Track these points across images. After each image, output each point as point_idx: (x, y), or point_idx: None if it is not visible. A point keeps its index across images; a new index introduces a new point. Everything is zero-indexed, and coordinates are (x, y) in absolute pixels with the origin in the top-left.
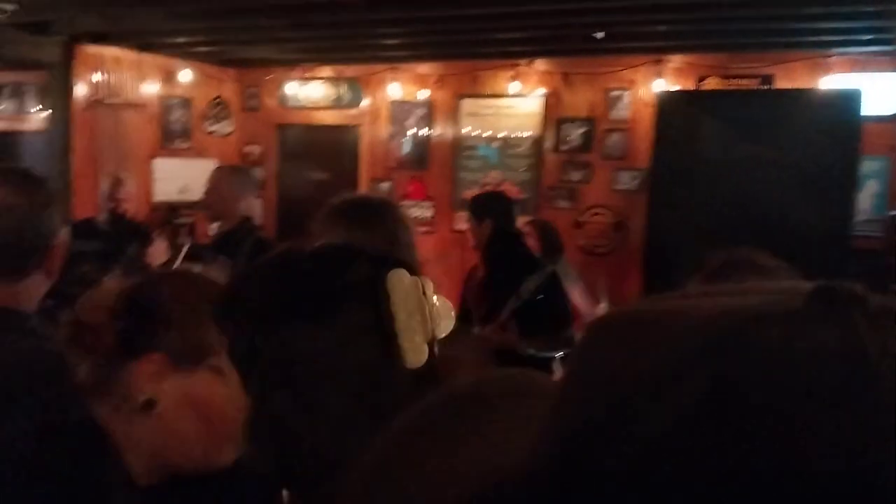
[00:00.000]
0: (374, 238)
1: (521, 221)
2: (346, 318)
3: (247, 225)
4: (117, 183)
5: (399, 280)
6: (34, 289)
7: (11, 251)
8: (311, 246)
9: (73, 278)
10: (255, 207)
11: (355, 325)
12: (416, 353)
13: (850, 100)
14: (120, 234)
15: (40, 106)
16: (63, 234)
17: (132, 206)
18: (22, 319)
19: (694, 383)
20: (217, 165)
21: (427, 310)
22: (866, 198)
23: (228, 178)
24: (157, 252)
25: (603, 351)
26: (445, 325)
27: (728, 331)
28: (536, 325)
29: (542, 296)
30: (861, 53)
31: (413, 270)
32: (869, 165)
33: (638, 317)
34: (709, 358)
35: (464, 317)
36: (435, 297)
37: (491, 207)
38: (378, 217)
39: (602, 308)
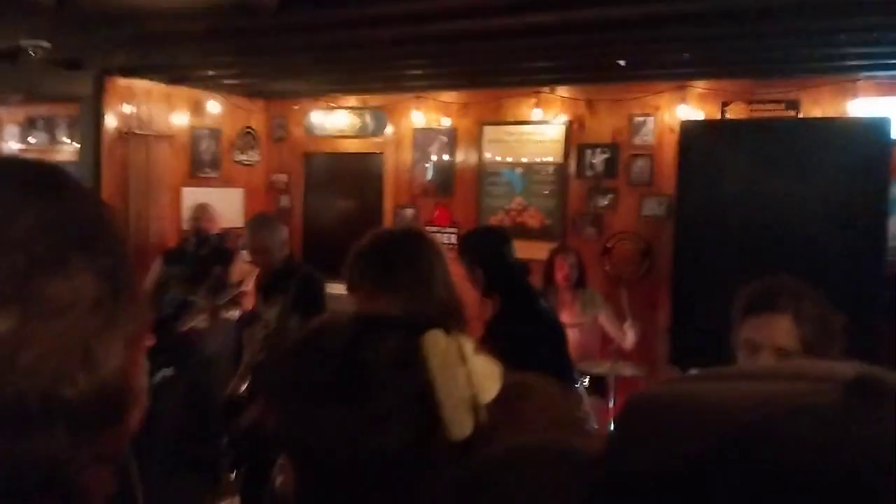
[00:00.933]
0: (407, 281)
1: (548, 249)
2: (380, 395)
3: (292, 263)
4: (201, 208)
5: (434, 344)
6: None
7: None
8: (342, 317)
9: (165, 300)
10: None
11: (391, 402)
12: (459, 425)
13: (878, 127)
14: (205, 257)
15: (72, 138)
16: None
17: (215, 228)
18: None
19: (726, 475)
20: (250, 218)
21: (467, 373)
22: (894, 224)
23: (265, 228)
24: (240, 270)
25: (640, 436)
26: (490, 387)
27: (763, 423)
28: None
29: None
30: (888, 77)
31: (449, 328)
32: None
33: (673, 402)
34: (742, 449)
35: None
36: (477, 356)
37: (479, 250)
38: (408, 257)
39: (628, 327)
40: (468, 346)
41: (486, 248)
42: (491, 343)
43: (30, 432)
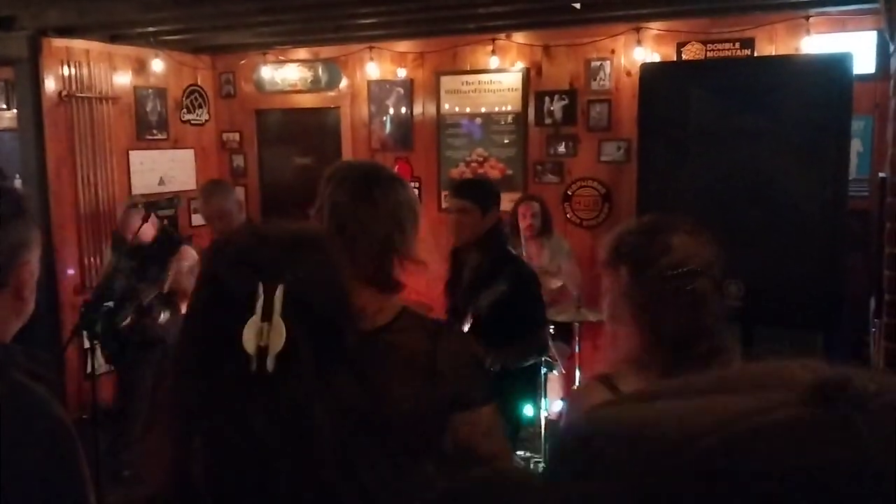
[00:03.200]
0: (378, 216)
1: (510, 199)
2: None
3: None
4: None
5: None
6: None
7: None
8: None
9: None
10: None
11: None
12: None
13: (839, 63)
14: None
15: (9, 104)
16: (33, 255)
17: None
18: None
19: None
20: (202, 185)
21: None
22: (851, 157)
23: (219, 193)
24: (186, 255)
25: (602, 468)
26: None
27: (725, 445)
28: (500, 337)
29: (500, 311)
30: (841, 13)
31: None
32: (853, 125)
33: (633, 430)
34: (705, 475)
35: (453, 309)
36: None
37: (494, 197)
38: (385, 194)
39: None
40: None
41: (496, 195)
42: (503, 280)
43: None
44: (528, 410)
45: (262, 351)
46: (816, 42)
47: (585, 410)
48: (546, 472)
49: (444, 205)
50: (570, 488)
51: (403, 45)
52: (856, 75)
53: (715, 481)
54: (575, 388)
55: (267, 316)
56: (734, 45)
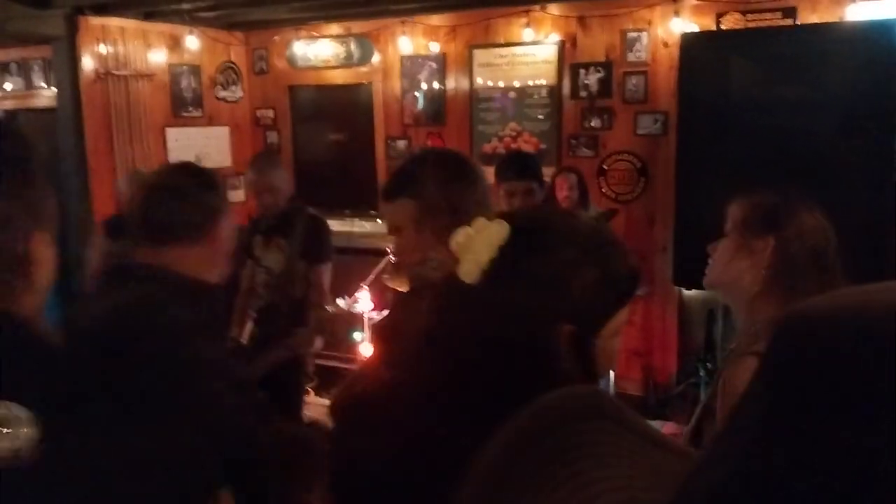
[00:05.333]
0: (469, 199)
1: (548, 174)
2: None
3: (296, 204)
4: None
5: None
6: (194, 257)
7: (174, 221)
8: None
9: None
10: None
11: None
12: None
13: (883, 30)
14: None
15: (48, 83)
16: (224, 220)
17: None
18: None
19: None
20: (254, 157)
21: None
22: None
23: (272, 166)
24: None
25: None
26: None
27: None
28: None
29: None
30: None
31: None
32: None
33: (827, 315)
34: None
35: None
36: None
37: (541, 170)
38: (476, 179)
39: None
40: None
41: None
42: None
43: None
44: None
45: None
46: (861, 9)
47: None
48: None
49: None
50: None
51: (436, 19)
52: None
53: None
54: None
55: None
56: (775, 14)
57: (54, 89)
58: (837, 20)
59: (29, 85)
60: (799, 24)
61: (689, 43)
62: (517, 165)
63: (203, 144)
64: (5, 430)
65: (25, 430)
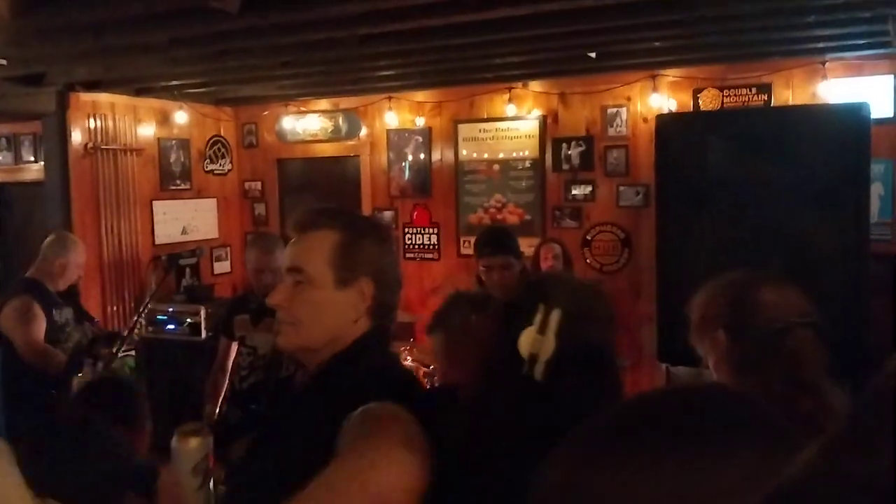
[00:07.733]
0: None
1: (529, 245)
2: None
3: None
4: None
5: None
6: None
7: None
8: None
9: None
10: None
11: None
12: None
13: (856, 112)
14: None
15: (36, 157)
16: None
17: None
18: None
19: None
20: (256, 236)
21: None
22: (872, 201)
23: (277, 248)
24: None
25: None
26: None
27: None
28: None
29: None
30: (857, 58)
31: None
32: (872, 169)
33: None
34: None
35: None
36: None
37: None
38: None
39: None
40: None
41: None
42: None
43: None
44: None
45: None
46: (833, 87)
47: None
48: None
49: (462, 251)
50: None
51: (421, 95)
52: (874, 119)
53: None
54: None
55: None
56: (751, 90)
57: (41, 163)
58: (810, 96)
59: (18, 159)
60: (773, 105)
61: (664, 124)
62: (494, 241)
63: (191, 217)
64: None
65: None
